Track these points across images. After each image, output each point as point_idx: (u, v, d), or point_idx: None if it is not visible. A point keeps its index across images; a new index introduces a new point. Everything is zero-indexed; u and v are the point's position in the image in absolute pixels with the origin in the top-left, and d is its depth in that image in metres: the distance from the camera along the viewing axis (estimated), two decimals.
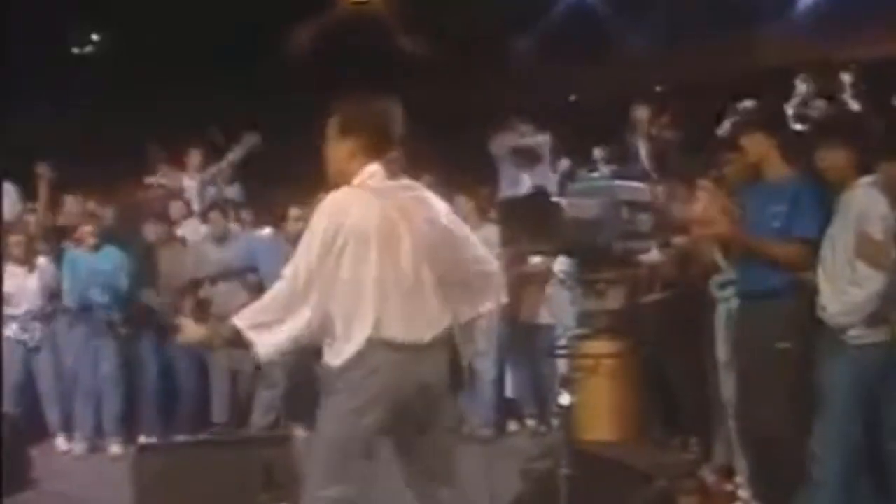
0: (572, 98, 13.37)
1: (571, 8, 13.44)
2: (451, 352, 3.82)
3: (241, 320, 3.79)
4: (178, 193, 9.91)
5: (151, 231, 8.64)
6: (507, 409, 8.29)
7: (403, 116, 3.92)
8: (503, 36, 12.93)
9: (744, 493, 5.57)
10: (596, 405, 5.49)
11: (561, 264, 7.36)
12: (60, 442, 8.25)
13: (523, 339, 8.01)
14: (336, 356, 3.71)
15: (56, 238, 8.81)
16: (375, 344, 3.66)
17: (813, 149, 5.06)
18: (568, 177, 9.39)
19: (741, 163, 5.35)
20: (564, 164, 9.89)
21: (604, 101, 11.14)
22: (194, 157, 10.37)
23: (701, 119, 8.80)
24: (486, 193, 8.91)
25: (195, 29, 12.70)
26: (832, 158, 4.85)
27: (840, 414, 4.71)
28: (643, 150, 9.15)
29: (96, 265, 8.29)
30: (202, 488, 5.17)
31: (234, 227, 8.92)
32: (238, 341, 3.84)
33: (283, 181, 9.34)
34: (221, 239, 8.60)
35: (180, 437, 7.98)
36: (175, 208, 9.44)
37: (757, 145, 5.17)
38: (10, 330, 8.11)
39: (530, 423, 8.12)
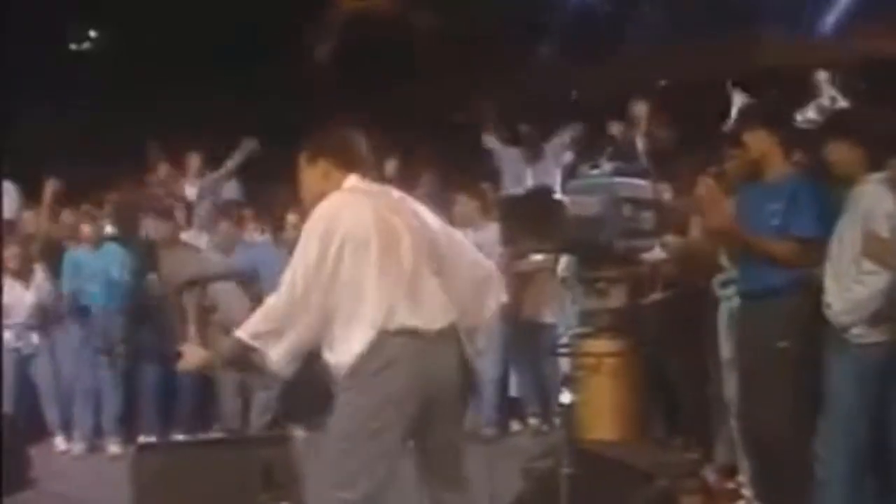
0: (573, 95, 13.34)
1: (573, 6, 13.44)
2: (459, 346, 3.82)
3: (243, 332, 3.79)
4: (178, 197, 9.89)
5: (151, 227, 8.62)
6: (509, 408, 8.27)
7: (372, 129, 4.04)
8: (504, 34, 12.91)
9: (746, 493, 5.55)
10: (598, 404, 5.47)
11: (563, 263, 7.34)
12: (59, 441, 8.24)
13: (526, 338, 7.99)
14: (343, 353, 3.70)
15: (54, 246, 8.77)
16: (387, 334, 3.66)
17: (816, 147, 5.04)
18: (570, 173, 9.37)
19: (742, 159, 5.33)
20: (567, 157, 9.87)
21: (605, 98, 11.11)
22: (194, 160, 10.35)
23: (701, 116, 8.78)
24: (488, 192, 8.90)
25: (195, 27, 12.69)
26: (841, 153, 4.83)
27: (844, 413, 4.69)
28: (641, 146, 9.13)
29: (97, 263, 8.28)
30: (201, 488, 5.14)
31: (235, 231, 8.91)
32: (240, 360, 3.85)
33: (282, 182, 9.33)
34: (225, 248, 8.62)
35: (180, 437, 7.97)
36: (177, 210, 9.43)
37: (759, 142, 5.14)
38: (4, 338, 8.06)
39: (533, 422, 8.10)
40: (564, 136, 9.96)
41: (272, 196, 9.49)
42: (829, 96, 8.62)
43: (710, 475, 5.87)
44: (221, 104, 12.07)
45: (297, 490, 5.00)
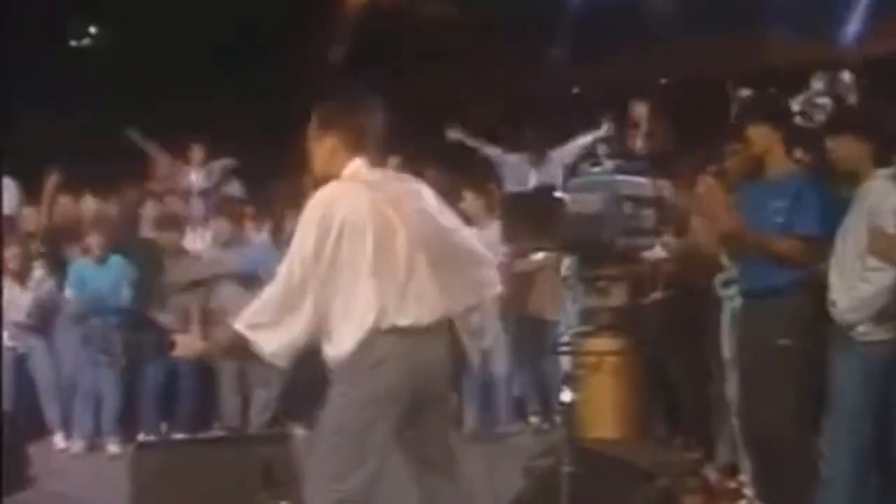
0: (575, 91, 13.34)
1: (575, 4, 13.41)
2: (451, 337, 3.81)
3: (239, 322, 3.79)
4: (180, 190, 9.94)
5: (151, 213, 8.62)
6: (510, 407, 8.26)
7: (383, 114, 3.96)
8: (507, 29, 12.89)
9: (748, 492, 5.53)
10: (598, 403, 5.45)
11: (565, 261, 7.33)
12: (58, 440, 8.22)
13: (528, 337, 7.98)
14: (337, 347, 3.71)
15: (55, 242, 8.76)
16: (378, 333, 3.66)
17: (819, 144, 5.03)
18: (571, 171, 9.36)
19: (744, 155, 5.31)
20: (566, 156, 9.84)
21: (607, 94, 11.10)
22: (197, 152, 10.39)
23: (702, 114, 8.76)
24: (493, 190, 8.90)
25: (195, 25, 12.68)
26: (846, 148, 4.81)
27: (849, 412, 4.68)
28: (642, 145, 9.12)
29: (102, 278, 8.29)
30: (201, 487, 5.13)
31: (235, 229, 8.92)
32: (237, 349, 3.84)
33: (282, 181, 9.34)
34: (225, 244, 8.61)
35: (180, 436, 7.96)
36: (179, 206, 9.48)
37: (762, 137, 5.12)
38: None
39: (534, 420, 8.09)
40: (578, 142, 9.90)
41: (272, 194, 9.50)
42: (831, 95, 8.61)
43: (711, 474, 5.86)
44: (221, 103, 12.05)
45: (296, 488, 4.97)
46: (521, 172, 9.91)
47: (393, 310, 3.69)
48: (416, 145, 9.63)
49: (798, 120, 7.46)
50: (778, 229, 4.98)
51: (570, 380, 4.79)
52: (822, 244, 4.84)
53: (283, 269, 3.76)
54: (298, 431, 7.00)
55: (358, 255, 3.69)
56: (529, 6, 12.92)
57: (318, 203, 3.76)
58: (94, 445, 8.14)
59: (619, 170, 5.92)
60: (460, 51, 12.47)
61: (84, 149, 11.18)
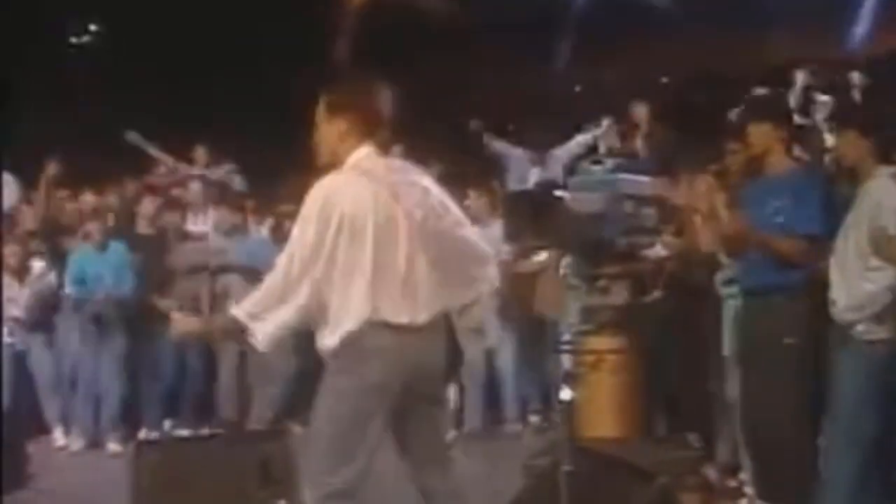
0: (576, 89, 13.34)
1: (577, 2, 13.43)
2: (447, 334, 3.80)
3: (238, 310, 3.78)
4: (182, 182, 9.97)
5: (149, 208, 8.62)
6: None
7: (393, 98, 3.90)
8: (509, 29, 12.89)
9: (748, 490, 5.52)
10: (598, 401, 5.45)
11: (563, 260, 7.32)
12: (58, 437, 8.22)
13: (533, 336, 7.98)
14: (330, 337, 3.70)
15: (54, 235, 8.76)
16: (371, 326, 3.65)
17: (818, 143, 5.03)
18: (571, 170, 9.35)
19: (745, 154, 5.30)
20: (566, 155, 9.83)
21: (608, 92, 11.11)
22: (200, 153, 10.39)
23: (703, 112, 8.76)
24: (496, 188, 8.90)
25: (195, 24, 12.67)
26: (847, 145, 4.80)
27: (851, 410, 4.68)
28: (643, 144, 9.12)
29: (102, 264, 8.28)
30: (200, 484, 5.12)
31: (237, 218, 8.93)
32: (233, 333, 3.83)
33: (283, 177, 9.34)
34: (227, 233, 8.62)
35: (179, 433, 7.96)
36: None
37: (763, 136, 5.12)
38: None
39: (534, 419, 8.09)
40: (579, 140, 9.88)
41: (272, 190, 9.51)
42: (830, 95, 8.62)
43: (711, 473, 5.84)
44: (221, 101, 12.05)
45: (294, 486, 4.97)
46: (523, 169, 9.91)
47: (389, 307, 3.68)
48: (416, 142, 9.65)
49: (797, 117, 7.47)
50: (779, 228, 4.97)
51: (569, 378, 4.77)
52: (823, 243, 4.83)
53: (282, 260, 3.74)
54: (296, 429, 6.99)
55: (357, 249, 3.67)
56: (532, 5, 12.93)
57: (319, 194, 3.72)
58: (93, 443, 8.15)
59: (619, 168, 5.90)
60: (462, 49, 12.47)
61: (84, 145, 11.18)
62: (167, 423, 8.31)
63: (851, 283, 4.65)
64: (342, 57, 13.02)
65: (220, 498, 5.13)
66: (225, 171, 10.41)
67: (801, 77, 8.75)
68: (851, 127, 4.85)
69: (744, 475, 5.64)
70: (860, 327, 4.63)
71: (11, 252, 8.17)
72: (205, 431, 7.96)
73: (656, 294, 6.32)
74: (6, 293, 8.00)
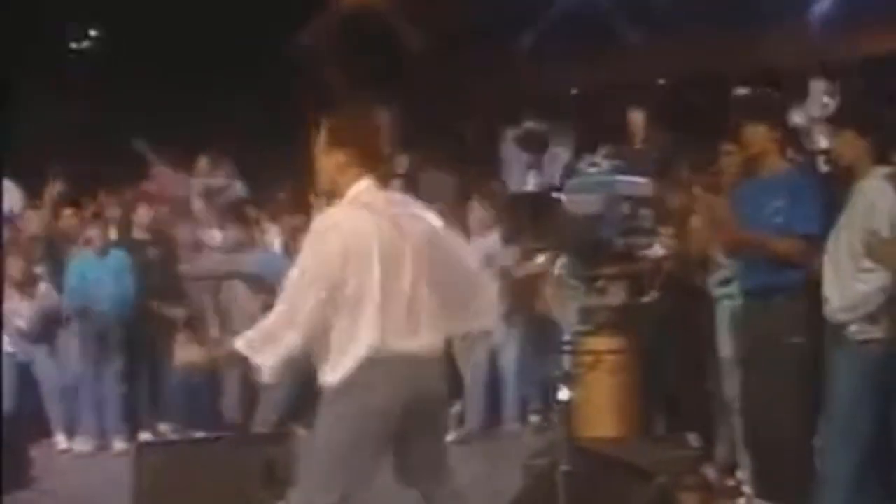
0: (574, 92, 13.33)
1: (571, 2, 13.41)
2: (448, 362, 3.81)
3: (241, 342, 3.76)
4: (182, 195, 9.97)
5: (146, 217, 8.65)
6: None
7: (396, 127, 3.93)
8: (503, 30, 12.89)
9: (747, 490, 5.54)
10: (597, 401, 5.46)
11: (559, 261, 7.36)
12: (60, 440, 8.22)
13: (535, 337, 8.00)
14: (332, 372, 3.70)
15: (57, 251, 8.76)
16: (374, 359, 3.65)
17: (813, 145, 5.05)
18: (568, 172, 9.37)
19: (740, 155, 5.32)
20: (565, 157, 9.87)
21: (605, 94, 11.11)
22: (202, 163, 10.39)
23: (700, 113, 8.78)
24: (497, 193, 8.91)
25: (195, 25, 12.67)
26: (844, 144, 4.82)
27: (846, 410, 4.69)
28: (640, 147, 9.12)
29: (103, 270, 8.30)
30: (202, 486, 5.14)
31: (243, 231, 8.96)
32: (235, 363, 3.84)
33: (286, 179, 9.38)
34: (234, 248, 8.65)
35: (182, 435, 7.99)
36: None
37: (759, 137, 5.14)
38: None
39: (534, 419, 8.10)
40: (576, 143, 9.91)
41: (277, 200, 9.55)
42: (828, 95, 8.63)
43: (710, 472, 5.86)
44: (223, 107, 12.06)
45: None
46: (520, 172, 9.93)
47: (392, 339, 3.68)
48: (417, 146, 9.68)
49: (797, 118, 7.50)
50: (777, 229, 4.99)
51: (568, 378, 4.80)
52: (822, 243, 4.85)
53: (284, 294, 3.74)
54: (300, 432, 7.01)
55: (363, 283, 3.66)
56: (528, 6, 12.93)
57: (322, 229, 3.73)
58: (96, 446, 8.16)
59: (617, 170, 5.93)
60: (458, 51, 12.47)
61: (84, 151, 11.21)
62: (171, 427, 8.32)
63: (844, 284, 4.66)
64: (339, 56, 12.99)
65: (222, 500, 5.16)
66: (225, 178, 10.39)
67: (815, 87, 8.72)
68: (849, 127, 4.87)
69: (742, 474, 5.66)
70: (853, 327, 4.64)
71: (15, 264, 8.13)
72: (207, 434, 7.96)
73: (654, 294, 6.34)
74: (10, 307, 7.97)
